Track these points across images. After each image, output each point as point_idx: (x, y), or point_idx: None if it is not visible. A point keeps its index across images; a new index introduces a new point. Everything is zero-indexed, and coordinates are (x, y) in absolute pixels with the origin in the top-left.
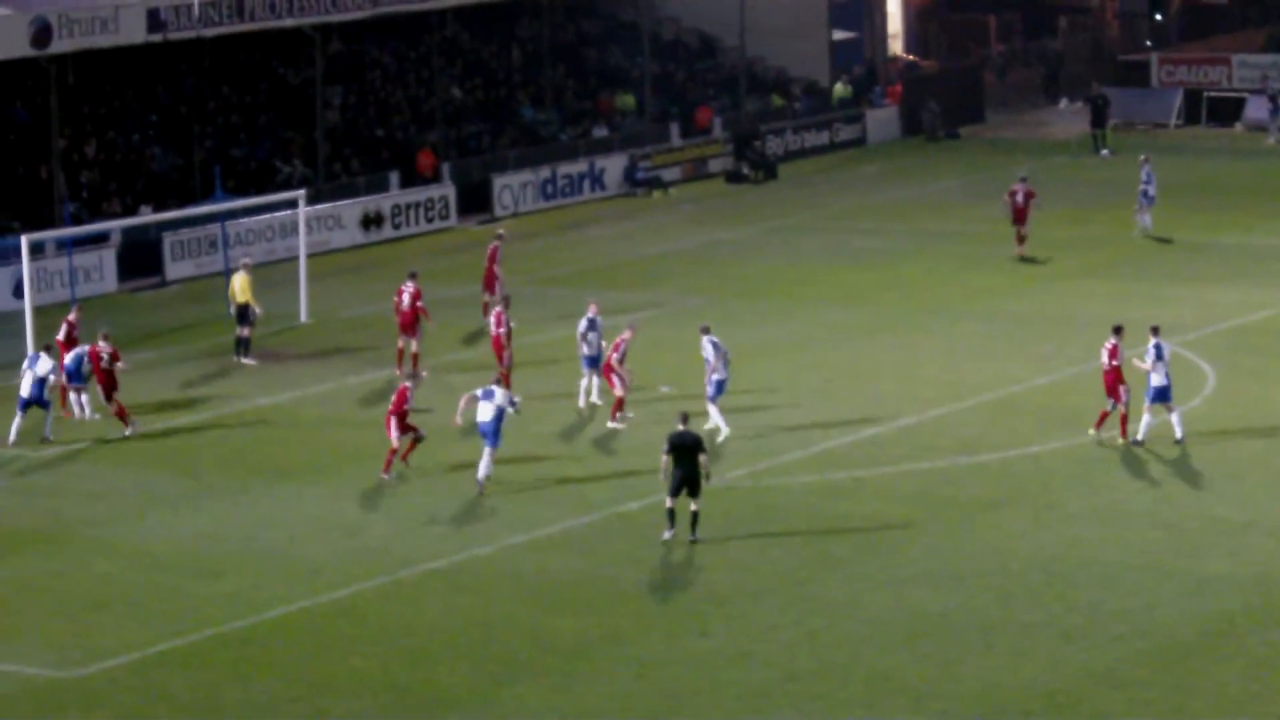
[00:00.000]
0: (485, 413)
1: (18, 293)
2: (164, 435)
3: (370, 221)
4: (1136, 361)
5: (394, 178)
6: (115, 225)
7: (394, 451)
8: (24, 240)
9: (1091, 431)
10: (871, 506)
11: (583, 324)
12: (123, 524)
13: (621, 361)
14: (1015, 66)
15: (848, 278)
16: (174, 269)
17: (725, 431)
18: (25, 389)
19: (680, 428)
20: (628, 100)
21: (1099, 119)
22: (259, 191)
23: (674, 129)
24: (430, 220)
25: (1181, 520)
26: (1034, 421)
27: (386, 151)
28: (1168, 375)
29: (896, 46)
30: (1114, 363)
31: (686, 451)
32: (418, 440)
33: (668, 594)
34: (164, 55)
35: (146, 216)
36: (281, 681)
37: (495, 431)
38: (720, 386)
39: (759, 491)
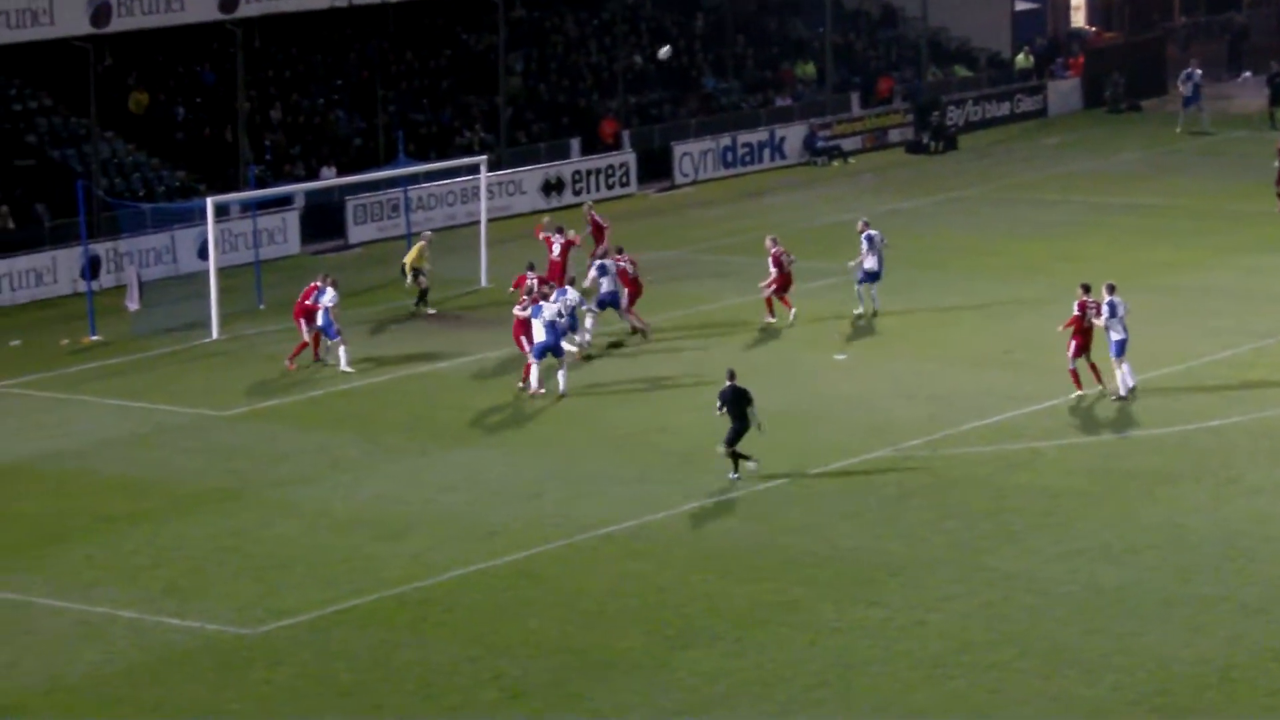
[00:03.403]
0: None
1: (203, 254)
2: (346, 397)
3: (551, 187)
4: (1096, 319)
5: (575, 144)
6: (299, 188)
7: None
8: (209, 202)
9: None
10: (1048, 478)
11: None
12: (305, 485)
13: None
14: (1198, 38)
15: (1028, 249)
16: (356, 232)
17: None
18: (319, 319)
19: (729, 383)
20: (808, 69)
21: (1277, 96)
22: (441, 157)
23: (854, 99)
24: (610, 187)
25: None
26: (1214, 395)
27: (568, 118)
28: (1125, 329)
29: (1079, 18)
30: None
31: (736, 404)
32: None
33: (842, 562)
34: (349, 20)
35: (330, 180)
36: (458, 642)
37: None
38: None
39: (935, 461)
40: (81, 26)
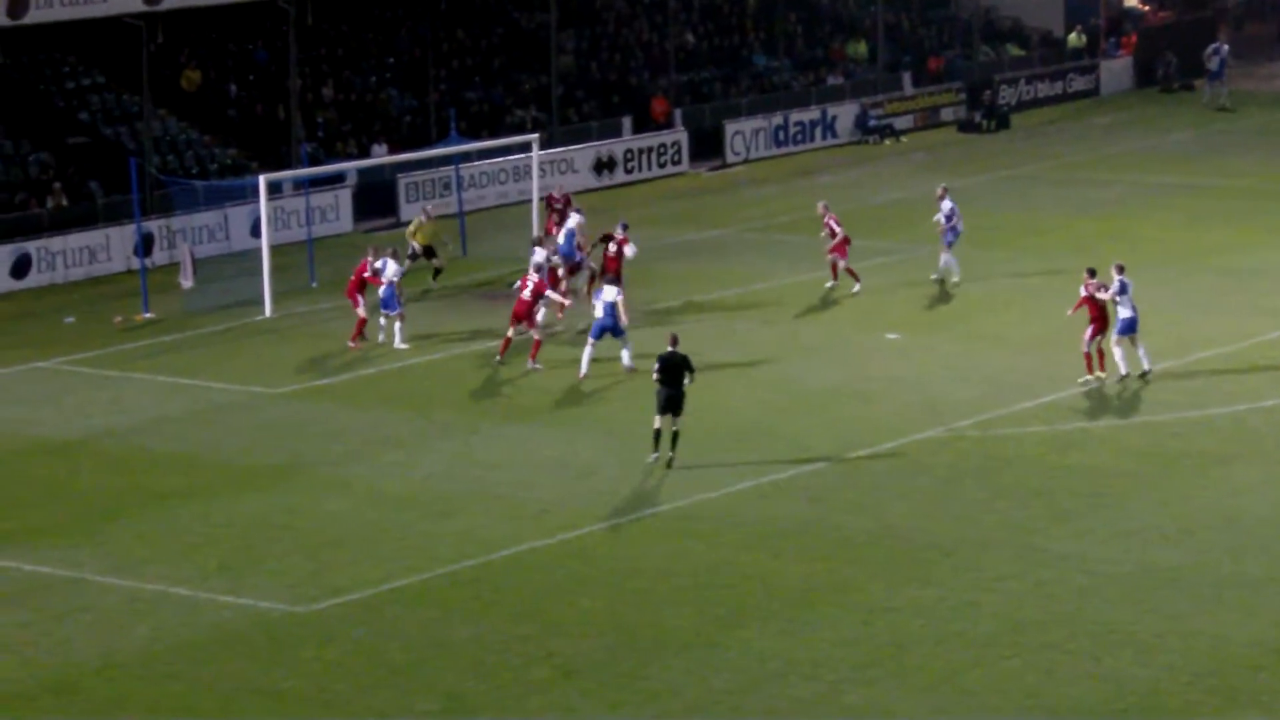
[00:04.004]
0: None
1: (255, 231)
2: (398, 375)
3: (603, 166)
4: (1101, 294)
5: (626, 122)
6: (351, 166)
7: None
8: (261, 180)
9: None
10: (1100, 459)
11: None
12: (357, 462)
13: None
14: (1251, 19)
15: (1079, 228)
16: (408, 210)
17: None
18: (382, 291)
19: (670, 349)
20: (860, 48)
21: None
22: (492, 135)
23: (906, 77)
24: (662, 165)
25: None
26: (1267, 376)
27: (619, 96)
28: (1134, 307)
29: None
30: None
31: (674, 370)
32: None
33: (894, 542)
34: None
35: (382, 158)
36: (510, 620)
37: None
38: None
39: (987, 441)
40: (134, 4)
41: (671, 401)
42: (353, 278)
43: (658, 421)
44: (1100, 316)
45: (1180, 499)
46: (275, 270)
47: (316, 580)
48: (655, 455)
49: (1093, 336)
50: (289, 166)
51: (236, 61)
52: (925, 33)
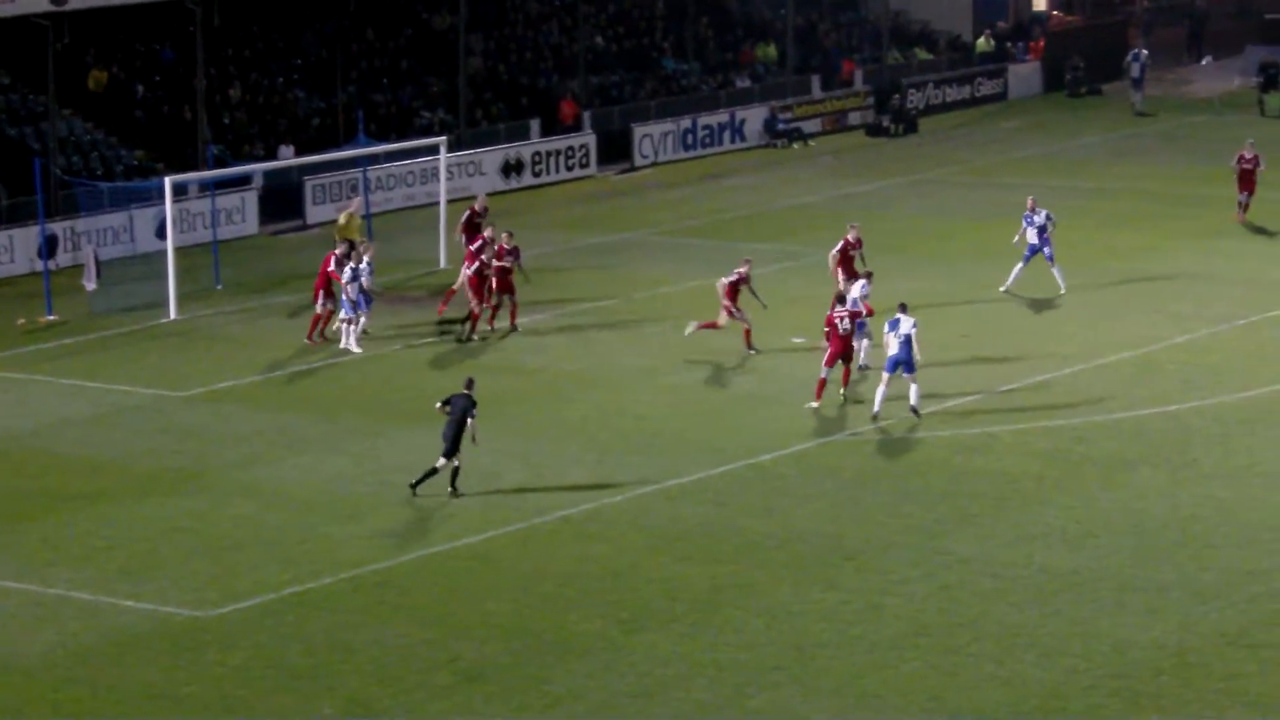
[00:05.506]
0: (894, 344)
1: (161, 233)
2: (304, 378)
3: (511, 168)
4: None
5: (535, 125)
6: (258, 168)
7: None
8: (167, 181)
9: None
10: (1006, 462)
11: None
12: (263, 465)
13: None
14: (1160, 23)
15: (987, 233)
16: (315, 212)
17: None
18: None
19: (465, 391)
20: (769, 52)
21: (1269, 83)
22: (400, 137)
23: (815, 81)
24: (570, 168)
25: None
26: (1172, 380)
27: (528, 99)
28: (900, 347)
29: (1040, 2)
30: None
31: (456, 412)
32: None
33: (799, 545)
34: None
35: (289, 160)
36: (414, 624)
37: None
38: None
39: (893, 445)
40: (40, 4)
41: (452, 442)
42: (321, 270)
43: (440, 462)
44: (841, 339)
45: (1084, 503)
46: (180, 272)
47: (219, 584)
48: (418, 487)
49: (830, 361)
50: (195, 168)
51: (143, 62)
52: (835, 37)
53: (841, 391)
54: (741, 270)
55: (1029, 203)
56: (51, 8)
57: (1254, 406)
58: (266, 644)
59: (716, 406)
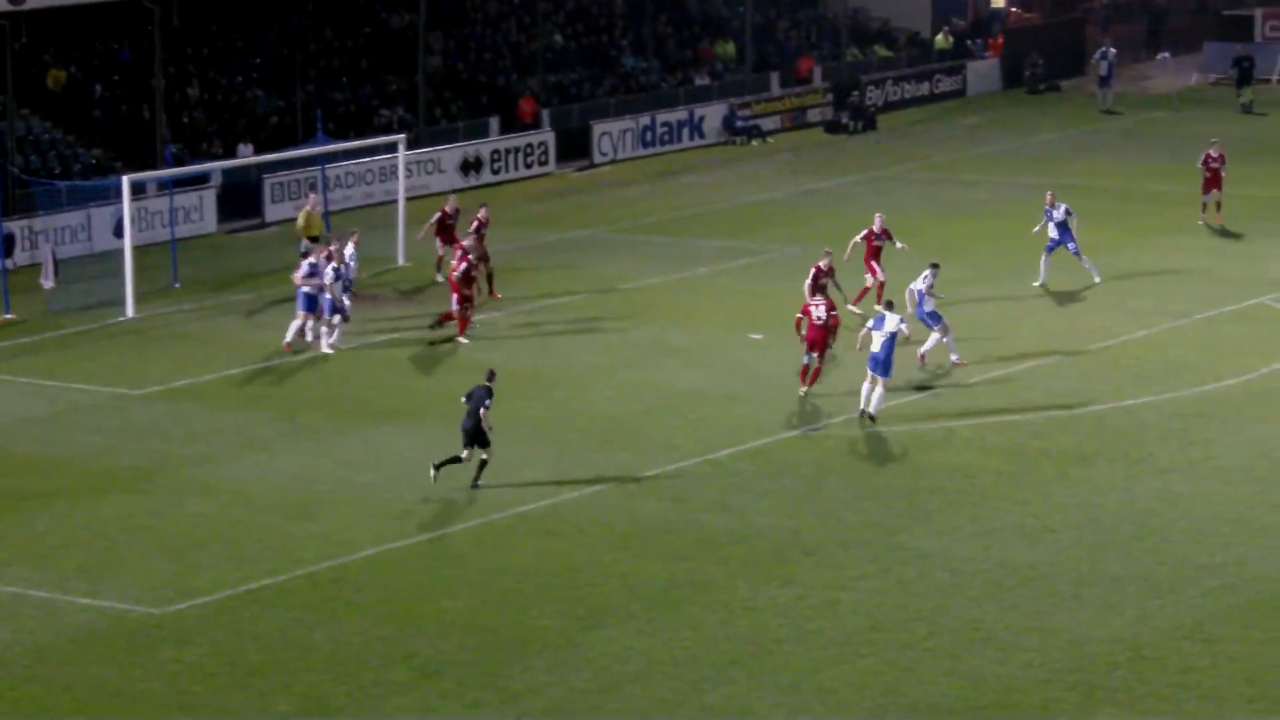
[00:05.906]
0: (877, 342)
1: (118, 232)
2: (262, 376)
3: (470, 166)
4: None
5: (494, 123)
6: (216, 166)
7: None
8: (125, 180)
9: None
10: (963, 458)
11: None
12: (220, 464)
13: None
14: (1118, 19)
15: (946, 229)
16: (273, 211)
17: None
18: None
19: (485, 383)
20: (728, 49)
21: (1244, 79)
22: (359, 135)
23: (774, 78)
24: (529, 166)
25: (1276, 475)
26: (1129, 375)
27: (487, 97)
28: (883, 346)
29: None
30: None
31: (473, 403)
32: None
33: (756, 541)
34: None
35: (247, 158)
36: (370, 621)
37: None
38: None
39: (851, 441)
40: None
41: (472, 435)
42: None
43: (464, 454)
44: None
45: (1041, 498)
46: (138, 271)
47: (176, 582)
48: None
49: (809, 349)
50: (154, 167)
51: (102, 61)
52: (794, 34)
53: (803, 390)
54: (821, 264)
55: (1048, 198)
56: (9, 7)
57: (1210, 401)
58: (223, 641)
59: (674, 403)
